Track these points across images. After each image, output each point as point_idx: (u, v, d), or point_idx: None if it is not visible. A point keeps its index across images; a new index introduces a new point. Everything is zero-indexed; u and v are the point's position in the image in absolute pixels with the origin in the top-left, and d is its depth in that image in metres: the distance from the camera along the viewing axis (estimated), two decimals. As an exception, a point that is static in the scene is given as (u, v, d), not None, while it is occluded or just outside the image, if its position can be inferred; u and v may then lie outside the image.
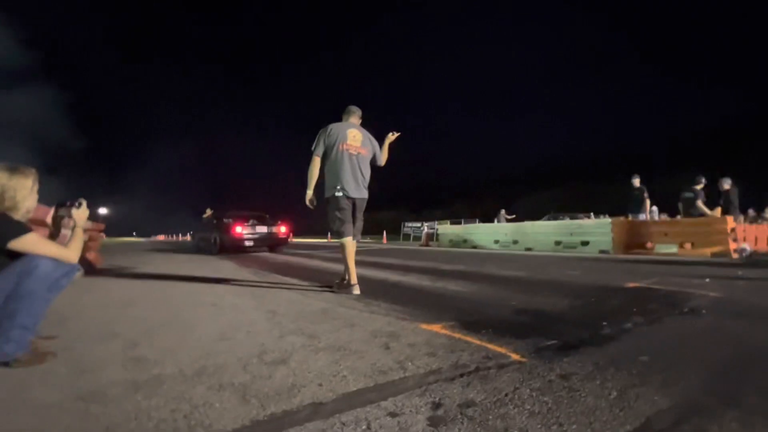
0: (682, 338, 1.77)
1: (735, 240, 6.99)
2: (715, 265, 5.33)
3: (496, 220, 15.52)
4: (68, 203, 1.76)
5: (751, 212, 12.09)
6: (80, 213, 1.74)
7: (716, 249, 7.04)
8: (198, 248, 11.47)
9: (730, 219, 7.23)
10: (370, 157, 3.34)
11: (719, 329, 1.92)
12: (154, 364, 1.49)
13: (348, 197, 3.14)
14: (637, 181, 8.97)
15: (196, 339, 1.84)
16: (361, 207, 3.29)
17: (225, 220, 9.68)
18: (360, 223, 3.31)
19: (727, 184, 8.01)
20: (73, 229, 1.71)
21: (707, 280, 3.62)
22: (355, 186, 3.18)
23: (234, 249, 9.44)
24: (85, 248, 5.34)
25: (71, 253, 1.64)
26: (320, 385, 1.26)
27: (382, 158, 3.49)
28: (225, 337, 1.87)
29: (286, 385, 1.26)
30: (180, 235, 61.45)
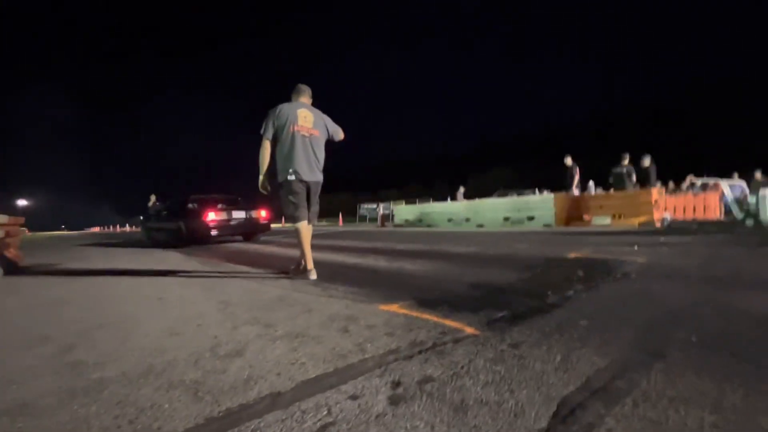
0: (616, 302, 1.95)
1: (658, 210, 7.78)
2: (643, 233, 5.90)
3: (458, 197, 15.80)
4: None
5: (671, 184, 13.44)
6: (-11, 207, 1.52)
7: (643, 219, 7.79)
8: (154, 241, 9.56)
9: (654, 191, 8.01)
10: (323, 138, 3.23)
11: (646, 292, 2.13)
12: (94, 367, 1.38)
13: (301, 180, 3.04)
14: (569, 160, 9.70)
15: (141, 337, 1.72)
16: (316, 190, 3.20)
17: (190, 205, 8.03)
18: (315, 207, 3.23)
19: (647, 161, 8.92)
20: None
21: (636, 247, 4.00)
22: (309, 169, 3.08)
23: (205, 239, 7.91)
24: (3, 245, 4.76)
25: (-19, 253, 1.44)
26: (278, 374, 1.23)
27: (339, 133, 3.39)
28: (173, 332, 1.77)
29: (242, 377, 1.22)
30: (118, 226, 56.90)
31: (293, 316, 1.95)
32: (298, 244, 3.09)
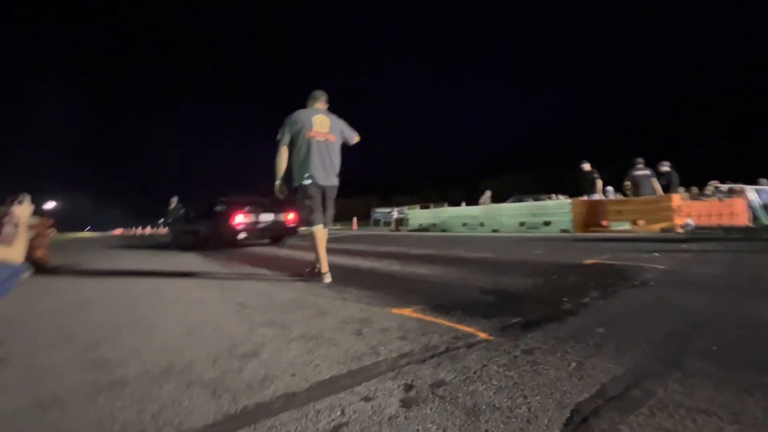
0: (634, 309, 1.91)
1: (680, 216, 7.56)
2: (663, 240, 5.74)
3: (484, 201, 15.23)
4: (9, 199, 1.63)
5: (694, 190, 13.04)
6: (23, 209, 1.61)
7: (664, 225, 7.58)
8: (181, 243, 9.29)
9: (676, 197, 7.80)
10: (339, 143, 3.29)
11: (665, 299, 2.08)
12: (117, 365, 1.43)
13: (317, 185, 3.10)
14: (587, 166, 9.54)
15: (161, 337, 1.78)
16: (332, 195, 3.25)
17: (218, 208, 7.77)
18: (331, 211, 3.28)
19: (666, 167, 8.70)
20: (16, 226, 1.59)
21: (656, 254, 3.90)
22: (324, 173, 3.13)
23: (232, 242, 7.57)
24: (33, 246, 4.97)
25: (14, 253, 1.52)
26: (293, 375, 1.26)
27: (355, 137, 3.44)
28: (192, 333, 1.82)
29: (258, 377, 1.25)
30: (140, 228, 58.53)
31: (308, 318, 1.98)
32: (313, 248, 3.13)
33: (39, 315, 2.41)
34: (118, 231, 66.76)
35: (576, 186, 10.04)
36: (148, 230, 51.48)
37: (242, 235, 7.41)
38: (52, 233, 6.15)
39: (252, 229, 7.55)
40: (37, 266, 4.84)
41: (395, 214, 19.45)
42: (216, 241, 7.61)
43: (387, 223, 20.76)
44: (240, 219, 7.36)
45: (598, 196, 9.55)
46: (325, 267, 3.11)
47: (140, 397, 1.15)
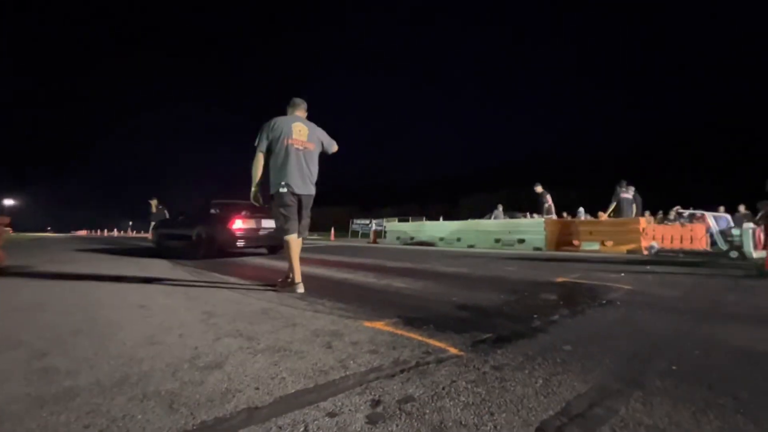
0: (600, 328, 1.96)
1: (646, 239, 7.91)
2: (630, 261, 5.97)
3: (493, 217, 14.92)
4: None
5: (659, 214, 13.70)
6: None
7: (631, 246, 7.90)
8: (166, 249, 8.39)
9: (642, 220, 8.17)
10: (317, 152, 3.27)
11: (630, 319, 2.15)
12: (66, 375, 1.34)
13: (293, 193, 3.05)
14: (539, 188, 9.90)
15: (119, 345, 1.68)
16: (308, 204, 3.21)
17: (213, 211, 7.05)
18: (306, 221, 3.23)
19: (632, 191, 9.15)
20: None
21: (622, 274, 4.04)
22: (301, 182, 3.09)
23: (229, 249, 6.91)
24: (-15, 245, 4.66)
25: (-40, 251, 1.41)
26: (257, 388, 1.21)
27: (333, 146, 3.42)
28: (153, 341, 1.73)
29: (220, 390, 1.20)
30: (105, 230, 55.98)
31: (277, 329, 1.93)
32: (287, 257, 3.07)
33: (-16, 319, 2.24)
34: (82, 232, 63.69)
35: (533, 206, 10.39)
36: (115, 233, 49.37)
37: (241, 242, 6.71)
38: (8, 232, 5.78)
39: (252, 236, 6.88)
40: (-12, 266, 4.52)
41: (373, 226, 19.46)
42: (210, 247, 6.81)
43: (365, 235, 20.71)
44: (240, 224, 6.72)
45: (548, 217, 9.92)
46: (298, 277, 3.05)
47: (89, 410, 1.07)
